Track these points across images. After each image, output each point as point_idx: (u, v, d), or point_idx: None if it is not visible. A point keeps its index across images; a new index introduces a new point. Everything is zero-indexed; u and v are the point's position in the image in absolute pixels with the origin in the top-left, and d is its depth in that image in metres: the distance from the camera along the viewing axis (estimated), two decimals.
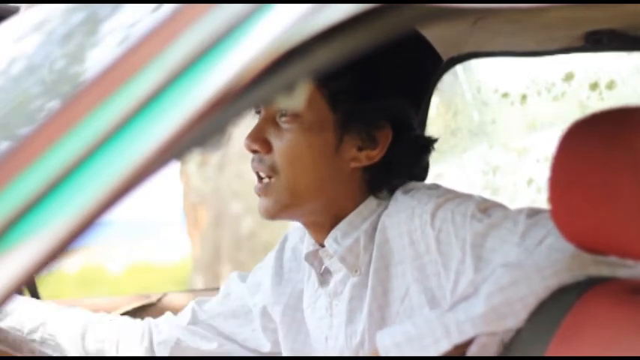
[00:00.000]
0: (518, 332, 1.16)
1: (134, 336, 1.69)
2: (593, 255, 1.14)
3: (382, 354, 1.21)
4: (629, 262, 1.14)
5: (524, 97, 4.51)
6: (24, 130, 0.86)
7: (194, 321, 1.68)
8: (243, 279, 1.68)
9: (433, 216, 1.34)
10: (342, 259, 1.43)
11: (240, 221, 5.87)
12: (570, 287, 1.15)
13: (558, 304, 1.14)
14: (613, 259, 1.14)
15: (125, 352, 1.67)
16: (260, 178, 1.43)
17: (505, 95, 4.57)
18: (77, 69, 0.99)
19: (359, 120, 1.40)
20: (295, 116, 1.39)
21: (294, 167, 1.39)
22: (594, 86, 4.24)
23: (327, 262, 1.48)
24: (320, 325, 1.52)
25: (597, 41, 1.73)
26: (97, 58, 0.97)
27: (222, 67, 0.76)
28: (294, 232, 1.62)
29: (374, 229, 1.42)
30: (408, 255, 1.38)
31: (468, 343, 1.18)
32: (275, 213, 1.42)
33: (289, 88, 0.80)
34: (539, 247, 1.21)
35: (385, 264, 1.41)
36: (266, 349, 1.66)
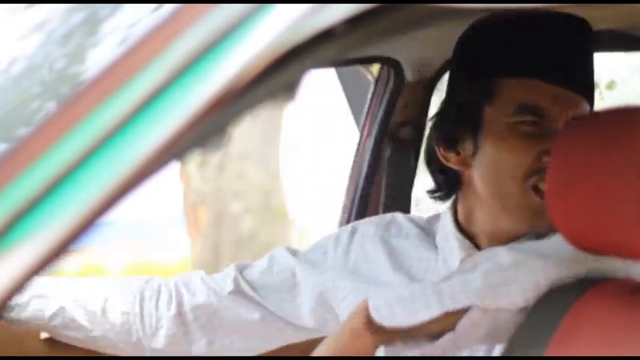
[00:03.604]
0: (518, 332, 1.16)
1: (160, 302, 1.62)
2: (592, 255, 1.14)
3: (372, 312, 1.21)
4: (629, 262, 1.14)
5: None
6: (24, 131, 0.86)
7: (237, 290, 1.60)
8: (293, 253, 1.61)
9: None
10: None
11: (240, 221, 5.86)
12: (570, 287, 1.15)
13: (557, 304, 1.14)
14: (613, 259, 1.14)
15: (151, 322, 1.61)
16: None
17: None
18: (77, 69, 0.99)
19: None
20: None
21: None
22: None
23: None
24: None
25: (597, 41, 1.73)
26: (97, 58, 0.97)
27: (222, 67, 0.77)
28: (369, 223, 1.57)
29: None
30: None
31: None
32: None
33: (289, 88, 0.80)
34: (552, 238, 1.21)
35: None
36: (309, 326, 1.59)
